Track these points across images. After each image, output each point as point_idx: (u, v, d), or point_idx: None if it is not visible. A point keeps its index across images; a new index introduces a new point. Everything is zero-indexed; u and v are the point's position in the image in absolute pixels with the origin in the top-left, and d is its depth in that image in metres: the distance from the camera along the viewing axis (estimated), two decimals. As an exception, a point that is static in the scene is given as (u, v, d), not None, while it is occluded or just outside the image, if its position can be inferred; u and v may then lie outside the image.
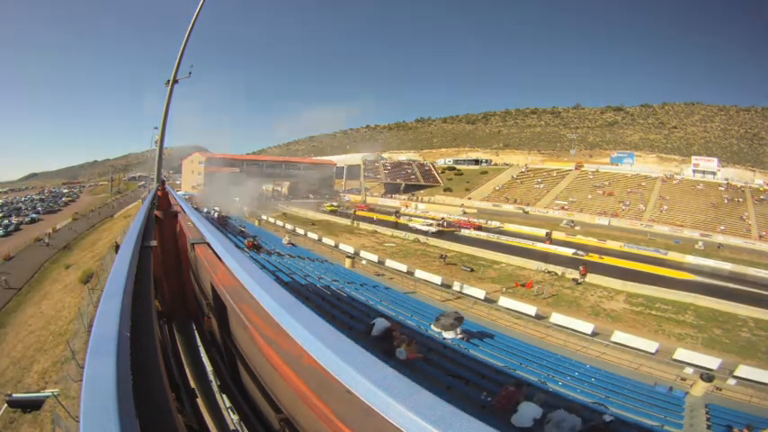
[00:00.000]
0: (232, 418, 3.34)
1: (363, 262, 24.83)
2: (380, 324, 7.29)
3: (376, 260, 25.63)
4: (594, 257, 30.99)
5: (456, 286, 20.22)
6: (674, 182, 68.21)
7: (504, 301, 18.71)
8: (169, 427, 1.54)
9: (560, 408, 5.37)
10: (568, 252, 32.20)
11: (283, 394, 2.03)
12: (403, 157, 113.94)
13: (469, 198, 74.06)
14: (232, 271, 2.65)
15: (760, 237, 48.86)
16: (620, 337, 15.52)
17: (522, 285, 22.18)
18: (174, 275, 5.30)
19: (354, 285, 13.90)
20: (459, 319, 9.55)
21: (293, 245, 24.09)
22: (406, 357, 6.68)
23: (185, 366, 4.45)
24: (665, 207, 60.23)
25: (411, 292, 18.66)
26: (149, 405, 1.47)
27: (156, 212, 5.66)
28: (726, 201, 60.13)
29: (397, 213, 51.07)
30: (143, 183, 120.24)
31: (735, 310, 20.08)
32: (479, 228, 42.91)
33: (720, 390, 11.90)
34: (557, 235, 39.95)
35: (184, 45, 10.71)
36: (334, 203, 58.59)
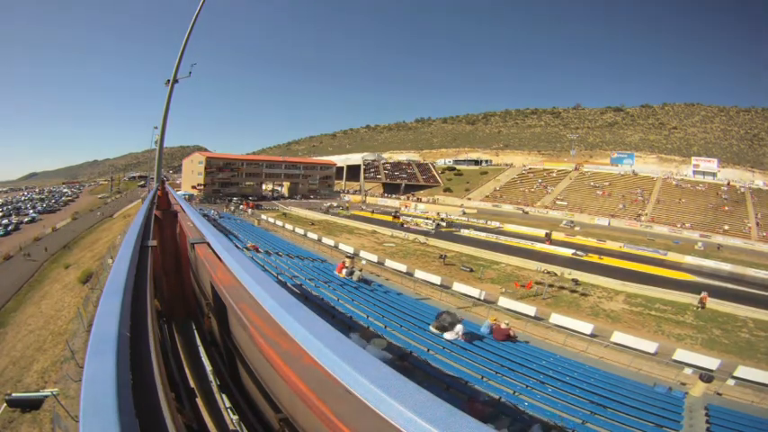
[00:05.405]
0: (231, 417, 3.33)
1: (363, 262, 24.77)
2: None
3: (375, 260, 25.59)
4: (594, 258, 31.01)
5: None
6: (674, 183, 68.21)
7: (504, 302, 18.69)
8: (168, 426, 1.54)
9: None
10: (568, 252, 32.22)
11: (283, 394, 2.03)
12: (403, 157, 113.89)
13: (469, 198, 74.08)
14: (232, 271, 2.65)
15: (760, 238, 48.89)
16: (619, 337, 15.50)
17: (522, 286, 22.15)
18: (173, 275, 5.30)
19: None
20: (458, 320, 9.54)
21: (293, 245, 24.10)
22: None
23: (185, 366, 4.44)
24: (661, 207, 60.19)
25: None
26: (148, 405, 1.47)
27: (156, 212, 5.66)
28: (725, 201, 60.12)
29: (397, 213, 51.11)
30: (142, 183, 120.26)
31: (734, 311, 20.10)
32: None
33: (721, 394, 11.90)
34: (556, 235, 39.92)
35: (185, 44, 10.72)
36: (334, 203, 58.60)
